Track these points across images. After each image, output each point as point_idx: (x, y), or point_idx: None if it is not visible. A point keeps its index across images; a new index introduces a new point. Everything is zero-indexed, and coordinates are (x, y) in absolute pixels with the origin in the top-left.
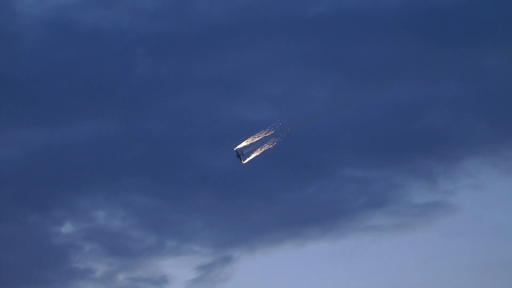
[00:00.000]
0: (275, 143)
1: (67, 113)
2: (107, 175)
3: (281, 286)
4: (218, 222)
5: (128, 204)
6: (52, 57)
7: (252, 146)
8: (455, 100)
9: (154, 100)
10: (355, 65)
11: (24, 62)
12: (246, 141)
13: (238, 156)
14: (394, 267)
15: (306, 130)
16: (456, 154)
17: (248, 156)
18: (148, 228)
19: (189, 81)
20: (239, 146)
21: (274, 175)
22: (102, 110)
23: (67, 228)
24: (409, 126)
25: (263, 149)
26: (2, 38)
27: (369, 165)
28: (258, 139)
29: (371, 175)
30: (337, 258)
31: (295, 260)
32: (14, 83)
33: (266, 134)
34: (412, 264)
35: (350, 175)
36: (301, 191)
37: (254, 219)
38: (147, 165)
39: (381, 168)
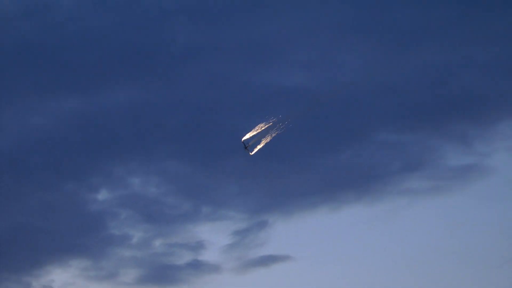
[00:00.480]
0: (275, 134)
1: (103, 80)
2: (142, 142)
3: (317, 250)
4: (253, 187)
5: (163, 171)
6: (88, 24)
7: (257, 137)
8: (491, 63)
9: (189, 68)
10: (388, 29)
11: (60, 29)
12: (251, 132)
13: (246, 147)
14: (430, 230)
15: (340, 95)
16: (491, 117)
17: (255, 147)
18: (184, 195)
19: (223, 48)
20: (245, 137)
21: (309, 140)
22: (138, 77)
23: (103, 195)
24: (444, 89)
25: (267, 140)
26: (37, 4)
27: (404, 129)
28: (261, 130)
29: (406, 139)
30: (372, 222)
31: (330, 224)
32: (49, 51)
33: (267, 126)
34: (448, 227)
35: (385, 139)
36: (336, 156)
37: (289, 184)
38: (182, 132)
39: (416, 132)
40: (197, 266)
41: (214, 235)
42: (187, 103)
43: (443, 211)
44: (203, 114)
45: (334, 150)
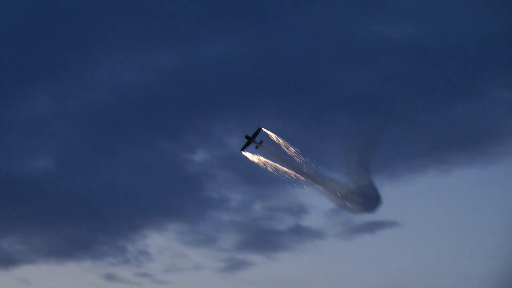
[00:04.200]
0: None
1: (198, 34)
2: (240, 99)
3: (426, 216)
4: (357, 147)
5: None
6: None
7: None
8: None
9: (288, 19)
10: None
11: None
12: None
13: (249, 141)
14: None
15: (450, 47)
16: None
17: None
18: (285, 155)
19: None
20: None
21: (417, 95)
22: (234, 30)
23: (200, 155)
24: None
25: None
26: None
27: None
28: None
29: None
30: (485, 185)
31: (440, 187)
32: (144, 4)
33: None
34: None
35: (500, 95)
36: (446, 113)
37: (395, 144)
38: (281, 88)
39: None
40: (299, 232)
41: (316, 198)
42: (284, 57)
43: None
44: (301, 68)
45: (444, 106)
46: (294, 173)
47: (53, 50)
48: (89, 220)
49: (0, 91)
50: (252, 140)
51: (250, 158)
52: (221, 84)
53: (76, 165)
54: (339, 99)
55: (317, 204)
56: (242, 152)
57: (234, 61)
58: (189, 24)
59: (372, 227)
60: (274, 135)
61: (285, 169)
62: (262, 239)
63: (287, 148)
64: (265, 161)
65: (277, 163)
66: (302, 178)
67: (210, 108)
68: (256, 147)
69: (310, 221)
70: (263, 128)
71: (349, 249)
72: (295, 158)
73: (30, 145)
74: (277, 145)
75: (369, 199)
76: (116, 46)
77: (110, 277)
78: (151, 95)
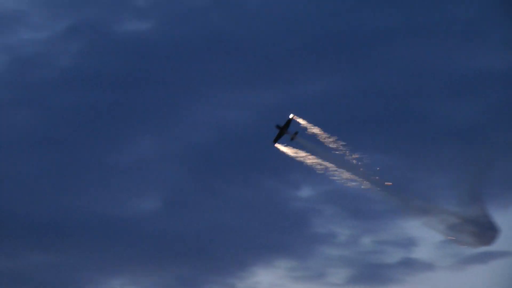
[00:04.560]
0: None
1: (299, 71)
2: (343, 134)
3: None
4: (467, 178)
5: (368, 163)
6: (277, 16)
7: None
8: None
9: (386, 52)
10: None
11: (252, 20)
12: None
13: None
14: None
15: None
16: None
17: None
18: (390, 188)
19: (421, 29)
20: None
21: None
22: (334, 65)
23: (305, 191)
24: None
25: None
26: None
27: None
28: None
29: None
30: None
31: None
32: (244, 43)
33: None
34: None
35: None
36: None
37: (506, 173)
38: (383, 121)
39: None
40: (409, 264)
41: (425, 231)
42: (385, 90)
43: None
44: (403, 100)
45: None
46: (337, 167)
47: (155, 93)
48: (197, 259)
49: (105, 136)
50: (285, 131)
51: (285, 152)
52: (323, 120)
53: (182, 205)
54: (444, 131)
55: (426, 236)
56: (276, 144)
57: (335, 96)
58: (289, 61)
59: (484, 258)
60: (309, 124)
61: (327, 163)
62: (372, 273)
63: (326, 140)
64: (304, 155)
65: (318, 157)
66: (352, 175)
67: None
68: (291, 139)
69: (420, 253)
70: (295, 117)
71: (461, 281)
72: (337, 151)
73: (136, 187)
74: (314, 136)
75: (486, 231)
76: (217, 85)
77: None
78: (254, 133)
